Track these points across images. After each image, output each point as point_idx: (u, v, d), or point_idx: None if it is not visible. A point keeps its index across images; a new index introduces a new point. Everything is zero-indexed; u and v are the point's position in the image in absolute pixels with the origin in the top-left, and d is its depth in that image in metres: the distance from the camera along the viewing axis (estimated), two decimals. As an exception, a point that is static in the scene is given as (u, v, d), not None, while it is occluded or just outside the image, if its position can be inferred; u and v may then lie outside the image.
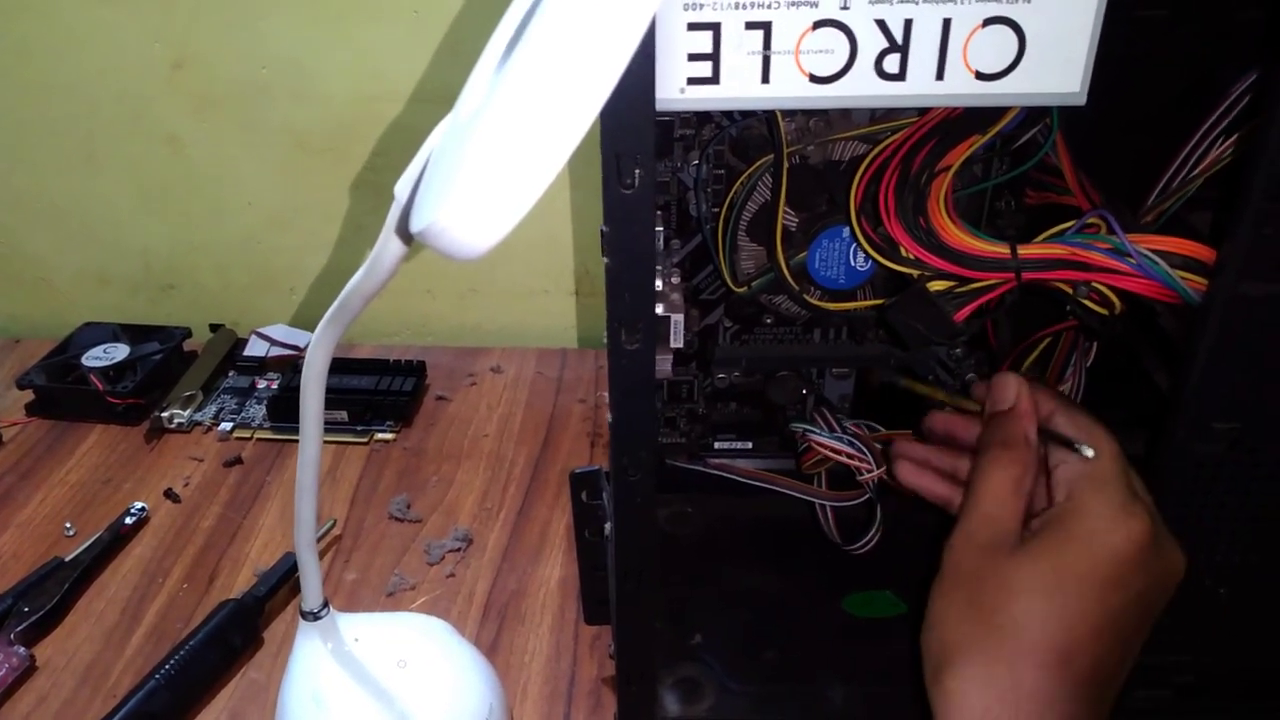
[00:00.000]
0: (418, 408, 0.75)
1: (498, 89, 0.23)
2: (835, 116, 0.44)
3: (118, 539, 0.62)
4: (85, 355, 0.75)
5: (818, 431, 0.50)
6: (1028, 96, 0.33)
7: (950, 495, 0.43)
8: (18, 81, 0.78)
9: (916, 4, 0.31)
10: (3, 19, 0.75)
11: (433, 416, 0.74)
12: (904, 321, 0.41)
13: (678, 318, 0.46)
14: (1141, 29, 0.41)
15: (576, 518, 0.46)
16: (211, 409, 0.74)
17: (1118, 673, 0.37)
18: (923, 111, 0.39)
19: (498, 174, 0.22)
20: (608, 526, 0.44)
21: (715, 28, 0.32)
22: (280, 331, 0.80)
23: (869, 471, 0.49)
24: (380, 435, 0.71)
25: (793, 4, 0.31)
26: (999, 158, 0.45)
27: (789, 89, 0.32)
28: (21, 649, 0.54)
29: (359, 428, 0.72)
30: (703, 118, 0.45)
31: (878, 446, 0.49)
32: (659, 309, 0.43)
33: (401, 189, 0.29)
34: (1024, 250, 0.38)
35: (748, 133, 0.45)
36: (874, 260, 0.41)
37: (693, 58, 0.32)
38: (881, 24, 0.31)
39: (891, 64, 0.32)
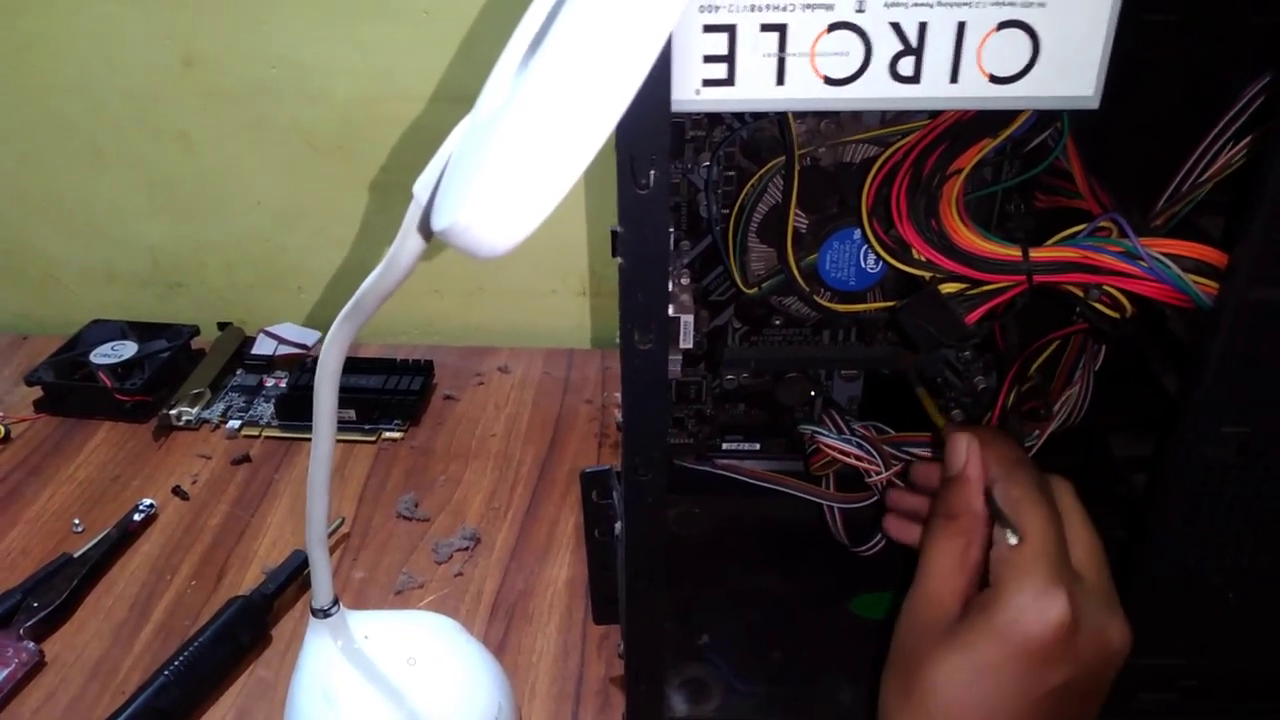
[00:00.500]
0: (425, 407, 0.75)
1: (521, 89, 0.24)
2: (846, 119, 0.44)
3: (126, 536, 0.62)
4: (93, 352, 0.75)
5: (826, 433, 0.50)
6: (1041, 100, 0.33)
7: None
8: (27, 78, 0.78)
9: (931, 7, 0.31)
10: (12, 16, 0.76)
11: (440, 416, 0.74)
12: (915, 323, 0.41)
13: (687, 319, 0.46)
14: (1151, 33, 0.41)
15: (586, 517, 0.46)
16: (219, 407, 0.74)
17: None
18: (934, 114, 0.39)
19: (521, 174, 0.22)
20: (618, 526, 0.44)
21: (731, 30, 0.32)
22: (288, 330, 0.80)
23: (877, 474, 0.49)
24: (388, 434, 0.72)
25: (808, 6, 0.31)
26: (1009, 161, 0.45)
27: (804, 91, 0.33)
28: (31, 644, 0.55)
29: (366, 426, 0.72)
30: (713, 119, 0.45)
31: (886, 449, 0.49)
32: (669, 310, 0.43)
33: (420, 188, 0.29)
34: (1035, 253, 0.38)
35: (759, 134, 0.45)
36: (886, 262, 0.41)
37: (708, 59, 0.32)
38: (896, 27, 0.32)
39: (906, 66, 0.32)
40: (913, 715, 0.37)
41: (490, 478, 0.68)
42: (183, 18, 0.74)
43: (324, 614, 0.45)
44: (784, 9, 0.31)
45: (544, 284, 0.85)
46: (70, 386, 0.74)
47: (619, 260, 0.33)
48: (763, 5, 0.31)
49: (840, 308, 0.47)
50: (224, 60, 0.76)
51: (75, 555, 0.60)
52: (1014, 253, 0.38)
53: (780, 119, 0.42)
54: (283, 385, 0.76)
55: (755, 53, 0.32)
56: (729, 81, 0.32)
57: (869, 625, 0.50)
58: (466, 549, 0.62)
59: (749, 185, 0.45)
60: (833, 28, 0.32)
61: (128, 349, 0.76)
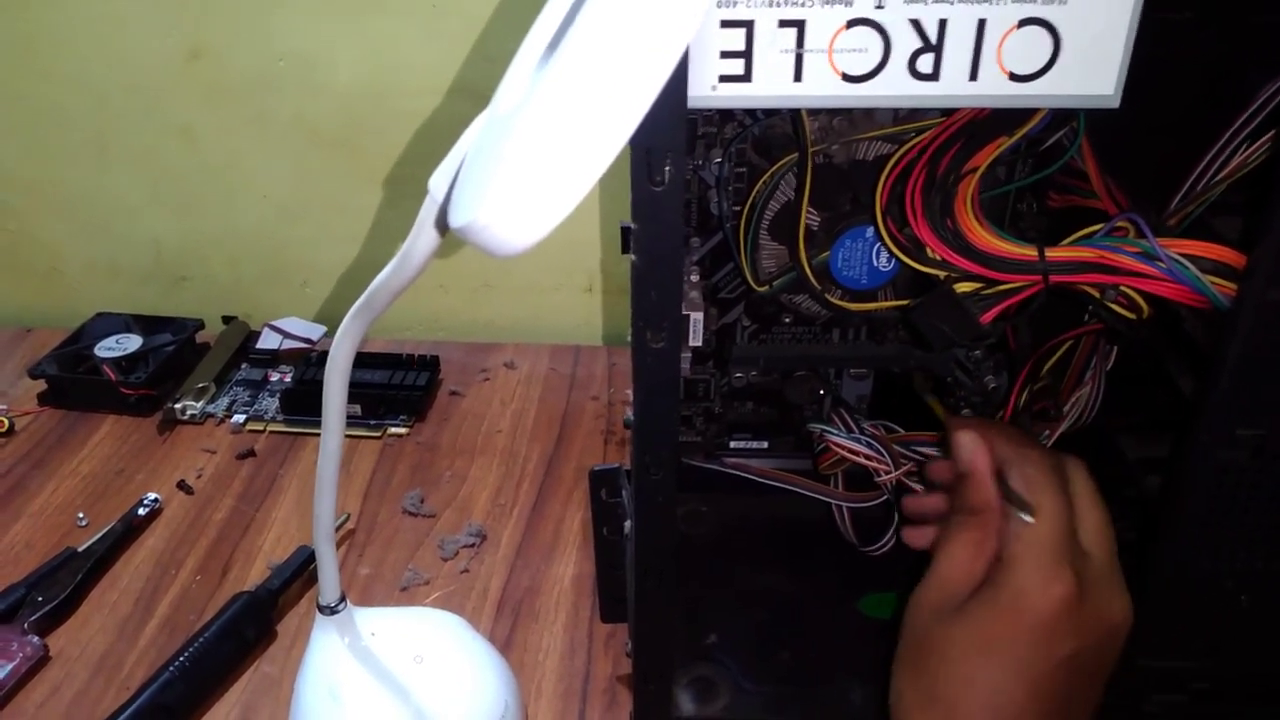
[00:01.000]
0: (431, 402, 0.75)
1: (541, 87, 0.23)
2: (859, 116, 0.43)
3: (130, 530, 0.62)
4: (98, 346, 0.75)
5: (835, 432, 0.50)
6: (1061, 98, 0.32)
7: None
8: (32, 71, 0.78)
9: (951, 4, 0.31)
10: (17, 9, 0.75)
11: (446, 411, 0.74)
12: (929, 323, 0.41)
13: (697, 316, 0.46)
14: (1167, 31, 0.41)
15: (595, 515, 0.46)
16: (224, 401, 0.74)
17: None
18: (948, 112, 0.39)
19: (542, 172, 0.22)
20: (627, 525, 0.44)
21: (748, 25, 0.31)
22: (293, 324, 0.80)
23: (886, 473, 0.48)
24: (393, 430, 0.71)
25: (827, 2, 0.31)
26: (1023, 160, 0.44)
27: (821, 88, 0.32)
28: (35, 638, 0.54)
29: (372, 422, 0.72)
30: (725, 115, 0.45)
31: (895, 448, 0.49)
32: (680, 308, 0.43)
33: (436, 184, 0.29)
34: (1051, 253, 0.38)
35: (771, 131, 0.45)
36: (900, 261, 0.41)
37: (725, 55, 0.32)
38: (916, 24, 0.31)
39: (925, 64, 0.32)
40: (925, 693, 0.38)
41: (496, 474, 0.68)
42: (188, 11, 0.74)
43: (331, 610, 0.45)
44: (803, 5, 0.31)
45: (551, 280, 0.84)
46: (74, 380, 0.74)
47: (632, 257, 0.33)
48: (781, 1, 0.31)
49: (851, 306, 0.47)
50: (229, 53, 0.76)
51: (79, 549, 0.60)
52: (1030, 252, 0.38)
53: (793, 115, 0.42)
54: (288, 380, 0.75)
55: (773, 49, 0.32)
56: (746, 78, 0.32)
57: (878, 625, 0.50)
58: (473, 546, 0.61)
59: (761, 182, 0.45)
60: (851, 24, 0.31)
61: (132, 342, 0.76)
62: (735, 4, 0.31)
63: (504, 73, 0.32)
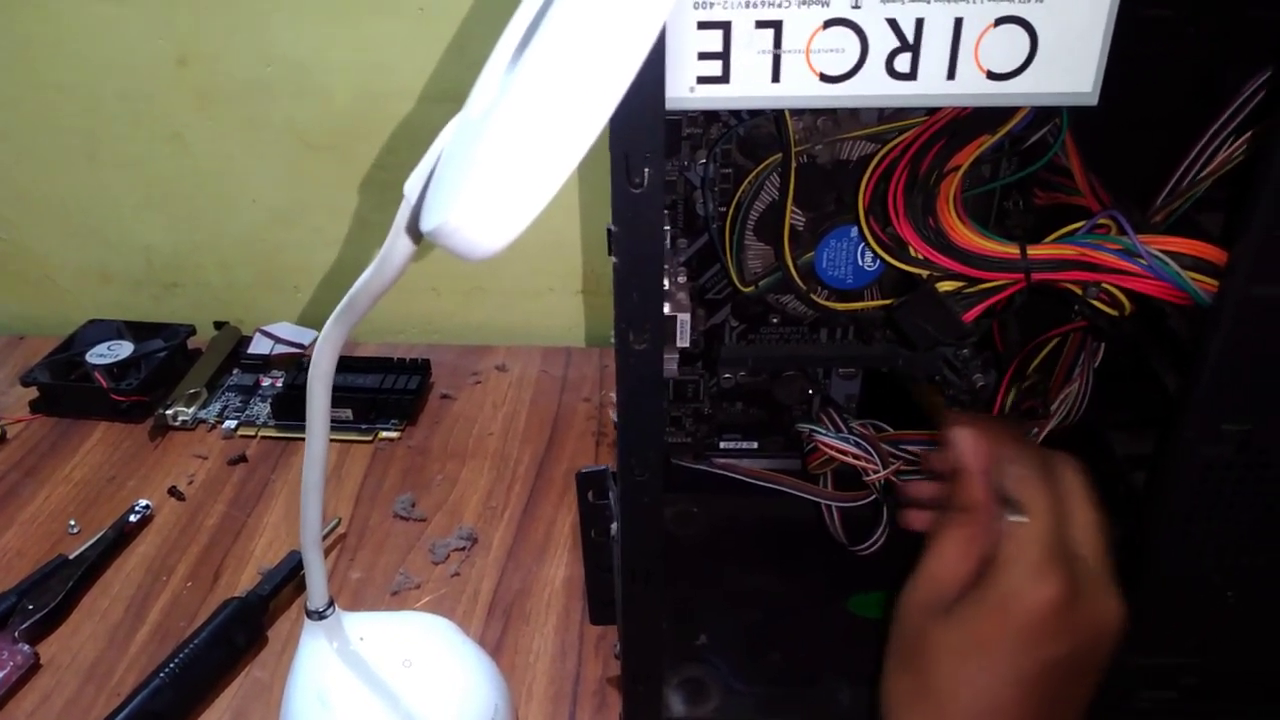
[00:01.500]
0: (422, 406, 0.75)
1: (510, 89, 0.23)
2: (843, 116, 0.43)
3: (122, 536, 0.62)
4: (89, 352, 0.75)
5: (824, 432, 0.50)
6: (1039, 96, 0.33)
7: None
8: (22, 78, 0.78)
9: (928, 3, 0.31)
10: (7, 15, 0.75)
11: (437, 415, 0.74)
12: (913, 322, 0.41)
13: (684, 317, 0.46)
14: (1150, 28, 0.41)
15: (583, 518, 0.46)
16: (216, 407, 0.74)
17: None
18: (931, 111, 0.39)
19: (510, 175, 0.22)
20: (614, 526, 0.44)
21: (726, 26, 0.31)
22: (284, 329, 0.80)
23: (875, 472, 0.48)
24: (385, 434, 0.71)
25: (804, 3, 0.31)
26: (1007, 158, 0.44)
27: (799, 88, 0.32)
28: (26, 646, 0.54)
29: (363, 426, 0.71)
30: (710, 116, 0.45)
31: (884, 447, 0.49)
32: (665, 308, 0.43)
33: (411, 187, 0.29)
34: (1034, 251, 0.38)
35: (755, 132, 0.45)
36: (883, 260, 0.41)
37: (703, 56, 0.32)
38: (893, 23, 0.31)
39: (903, 63, 0.32)
40: (915, 693, 0.38)
41: (487, 477, 0.68)
42: (178, 17, 0.74)
43: (319, 615, 0.45)
44: (779, 5, 0.31)
45: (541, 283, 0.84)
46: (66, 387, 0.74)
47: (613, 260, 0.33)
48: (758, 2, 0.31)
49: (838, 306, 0.47)
50: (219, 59, 0.76)
51: (71, 556, 0.60)
52: (1012, 250, 0.38)
53: (777, 116, 0.42)
54: (279, 385, 0.75)
55: (750, 50, 0.32)
56: (724, 79, 0.32)
57: (867, 625, 0.50)
58: (463, 549, 0.61)
59: (746, 183, 0.45)
60: (828, 24, 0.31)
61: (124, 349, 0.76)
62: (712, 5, 0.31)
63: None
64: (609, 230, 0.39)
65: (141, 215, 0.84)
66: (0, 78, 0.78)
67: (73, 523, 0.64)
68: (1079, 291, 0.38)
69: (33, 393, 0.75)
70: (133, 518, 0.63)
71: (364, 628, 0.46)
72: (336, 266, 0.84)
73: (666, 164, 0.46)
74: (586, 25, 0.21)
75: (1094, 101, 0.33)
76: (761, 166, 0.45)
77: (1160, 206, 0.41)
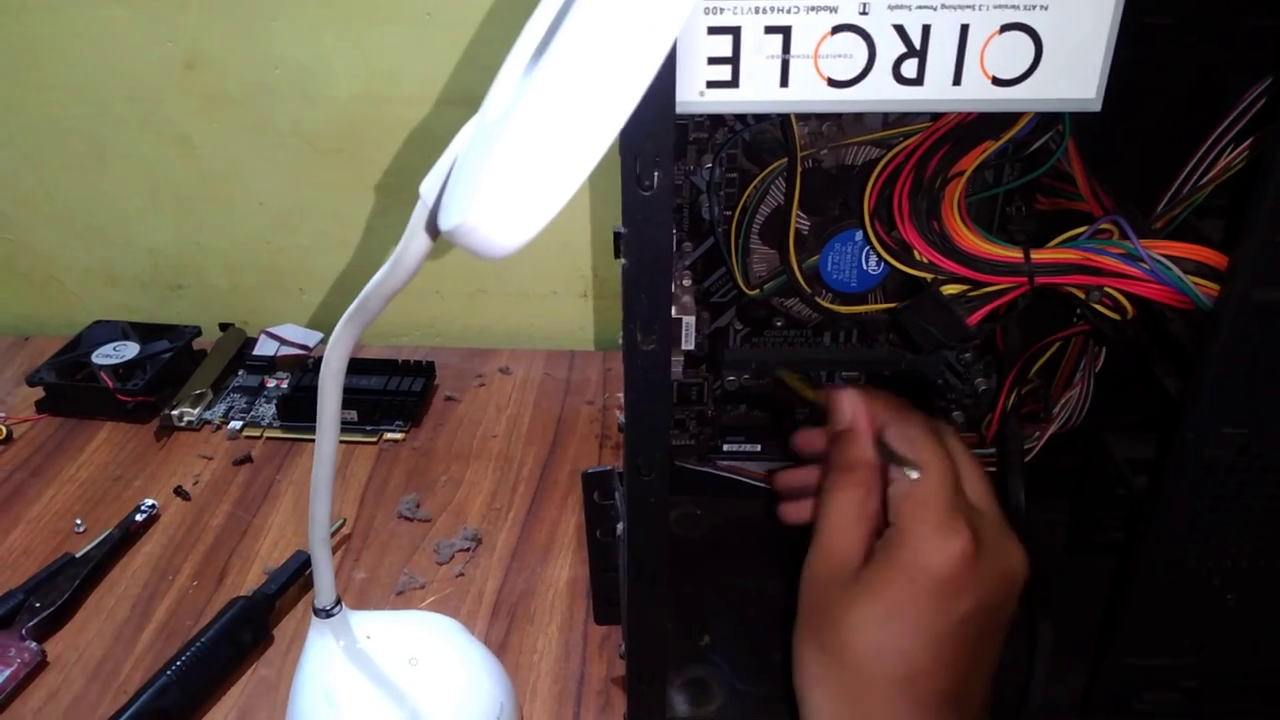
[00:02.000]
0: (427, 408, 0.75)
1: (528, 91, 0.24)
2: (848, 121, 0.44)
3: (128, 536, 0.62)
4: (95, 353, 0.75)
5: (827, 434, 0.50)
6: (1044, 102, 0.33)
7: None
8: (29, 80, 0.78)
9: (935, 9, 0.31)
10: (14, 18, 0.76)
11: (441, 417, 0.74)
12: (917, 324, 0.41)
13: (689, 320, 0.46)
14: (1152, 36, 0.42)
15: (588, 518, 0.46)
16: (221, 408, 0.74)
17: (970, 681, 0.37)
18: (936, 117, 0.40)
19: (528, 175, 0.22)
20: (620, 527, 0.44)
21: (735, 31, 0.32)
22: (289, 331, 0.80)
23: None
24: (389, 435, 0.72)
25: (812, 9, 0.31)
26: (1010, 163, 0.45)
27: (807, 93, 0.33)
28: (33, 644, 0.55)
29: (368, 427, 0.72)
30: (716, 121, 0.45)
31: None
32: (671, 311, 0.43)
33: (427, 188, 0.30)
34: (1037, 255, 0.38)
35: (761, 136, 0.45)
36: (888, 264, 0.41)
37: (712, 61, 0.32)
38: (900, 29, 0.32)
39: (909, 69, 0.32)
40: (830, 668, 0.37)
41: (491, 479, 0.68)
42: (185, 20, 0.75)
43: (326, 614, 0.45)
44: (788, 11, 0.32)
45: (545, 286, 0.85)
46: (72, 387, 0.74)
47: (622, 261, 0.33)
48: (767, 8, 0.31)
49: (842, 309, 0.47)
50: (226, 63, 0.76)
51: (77, 555, 0.60)
52: (1015, 254, 0.39)
53: (783, 121, 0.42)
54: (284, 386, 0.76)
55: (759, 55, 0.32)
56: (733, 83, 0.33)
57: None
58: (468, 549, 0.62)
59: (751, 187, 0.46)
60: (836, 30, 0.32)
61: (129, 350, 0.76)
62: (722, 11, 0.32)
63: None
64: (616, 232, 0.39)
65: (147, 217, 0.84)
66: (8, 80, 0.79)
67: (79, 522, 0.64)
68: (1082, 296, 0.39)
69: (39, 393, 0.75)
70: (139, 517, 0.63)
71: (370, 626, 0.47)
72: (342, 269, 0.85)
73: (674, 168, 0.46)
74: (605, 30, 0.22)
75: (1098, 107, 0.33)
76: (767, 171, 0.45)
77: (1161, 213, 0.41)
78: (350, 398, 0.72)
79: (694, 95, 0.33)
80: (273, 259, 0.85)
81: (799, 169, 0.42)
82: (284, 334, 0.80)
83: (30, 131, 0.81)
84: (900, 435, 0.39)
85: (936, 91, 0.33)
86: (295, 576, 0.58)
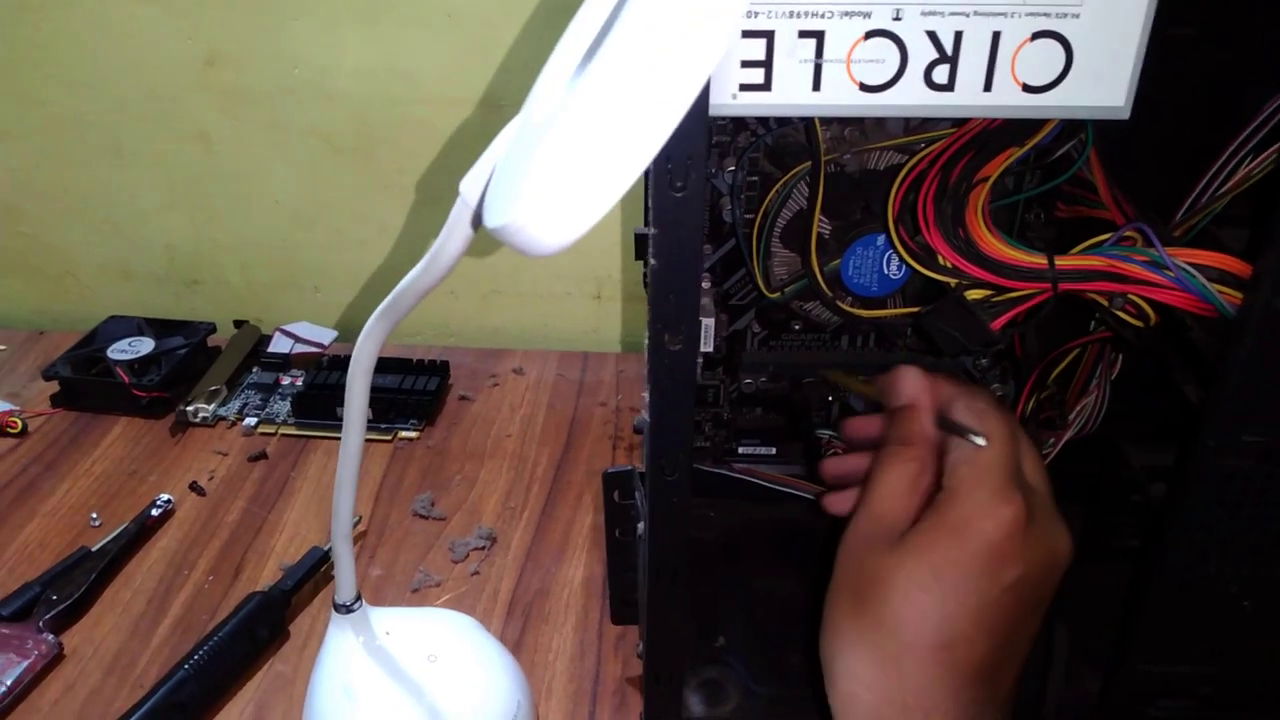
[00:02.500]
0: (441, 407, 0.75)
1: (577, 95, 0.24)
2: (870, 126, 0.44)
3: (143, 530, 0.63)
4: (110, 348, 0.76)
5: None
6: (1073, 109, 0.33)
7: None
8: (49, 75, 0.79)
9: (967, 16, 0.32)
10: (36, 13, 0.76)
11: (456, 416, 0.75)
12: (941, 329, 0.41)
13: (708, 322, 0.46)
14: (1173, 47, 0.42)
15: (608, 517, 0.46)
16: (235, 404, 0.75)
17: (1007, 657, 0.37)
18: (959, 123, 0.40)
19: (576, 176, 0.22)
20: (640, 526, 0.45)
21: (769, 35, 0.32)
22: (304, 329, 0.81)
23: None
24: (404, 433, 0.72)
25: (846, 14, 0.32)
26: (1031, 171, 0.45)
27: (839, 97, 0.33)
28: (50, 636, 0.55)
29: (383, 426, 0.72)
30: (738, 124, 0.46)
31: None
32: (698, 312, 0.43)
33: (468, 187, 0.30)
34: (1061, 261, 0.39)
35: (784, 140, 0.46)
36: (912, 268, 0.41)
37: (746, 64, 0.33)
38: (932, 35, 0.32)
39: (941, 75, 0.33)
40: (867, 631, 0.36)
41: (506, 478, 0.68)
42: (205, 18, 0.75)
43: (346, 609, 0.45)
44: (822, 16, 0.32)
45: (559, 287, 0.85)
46: (87, 381, 0.75)
47: (651, 262, 0.33)
48: (801, 12, 0.32)
49: (862, 313, 0.48)
50: (245, 61, 0.77)
51: (93, 549, 0.61)
52: (1040, 260, 0.39)
53: (806, 125, 0.43)
54: (299, 384, 0.76)
55: (792, 59, 0.32)
56: (766, 87, 0.33)
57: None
58: (483, 548, 0.62)
59: (774, 191, 0.46)
60: (870, 35, 0.32)
61: (145, 345, 0.76)
62: (756, 14, 0.32)
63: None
64: (637, 234, 0.39)
65: (164, 213, 0.85)
66: (28, 75, 0.79)
67: (94, 516, 0.64)
68: (1105, 302, 0.39)
69: (54, 387, 0.75)
70: (154, 512, 0.64)
71: (389, 622, 0.47)
72: (357, 268, 0.85)
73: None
74: (658, 37, 0.22)
75: (1126, 115, 0.34)
76: (789, 175, 0.45)
77: (1180, 221, 0.41)
78: (366, 396, 0.72)
79: (727, 98, 0.33)
80: (288, 257, 0.86)
81: (822, 173, 0.42)
82: (298, 331, 0.80)
83: (49, 126, 0.81)
84: (968, 408, 0.39)
85: (967, 97, 0.33)
86: (311, 572, 0.58)
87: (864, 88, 0.33)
